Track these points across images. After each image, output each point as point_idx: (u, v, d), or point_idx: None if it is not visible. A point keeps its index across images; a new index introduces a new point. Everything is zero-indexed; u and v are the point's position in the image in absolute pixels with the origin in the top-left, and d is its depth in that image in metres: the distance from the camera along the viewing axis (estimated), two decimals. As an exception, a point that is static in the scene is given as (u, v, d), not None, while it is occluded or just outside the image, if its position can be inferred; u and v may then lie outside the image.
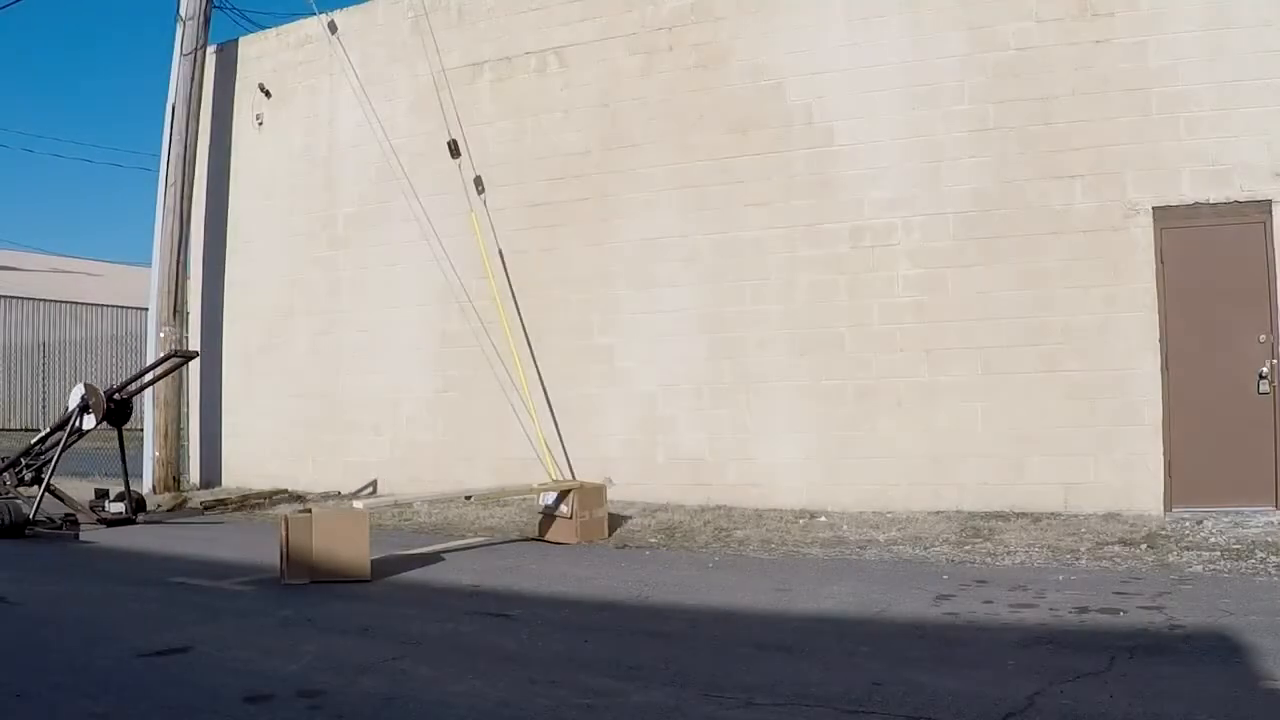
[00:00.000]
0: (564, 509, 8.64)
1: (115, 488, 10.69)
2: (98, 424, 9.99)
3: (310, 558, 7.09)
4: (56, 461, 9.91)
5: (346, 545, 7.09)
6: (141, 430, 12.90)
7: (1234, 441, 8.38)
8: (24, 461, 10.23)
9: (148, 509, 10.92)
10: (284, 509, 9.86)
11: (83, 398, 9.94)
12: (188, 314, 13.15)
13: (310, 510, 7.66)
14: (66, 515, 9.73)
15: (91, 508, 10.25)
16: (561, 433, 10.86)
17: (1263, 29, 8.32)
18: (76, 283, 34.83)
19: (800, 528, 8.82)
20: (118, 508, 10.28)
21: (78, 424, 9.94)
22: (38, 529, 9.37)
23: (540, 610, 6.16)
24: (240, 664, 4.97)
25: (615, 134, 10.78)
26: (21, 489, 10.04)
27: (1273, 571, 6.44)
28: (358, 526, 7.14)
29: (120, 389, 10.33)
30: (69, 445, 10.09)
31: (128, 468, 10.62)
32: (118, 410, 10.25)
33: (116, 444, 10.58)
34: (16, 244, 41.34)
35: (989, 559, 7.32)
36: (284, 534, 7.19)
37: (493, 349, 11.16)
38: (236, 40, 13.51)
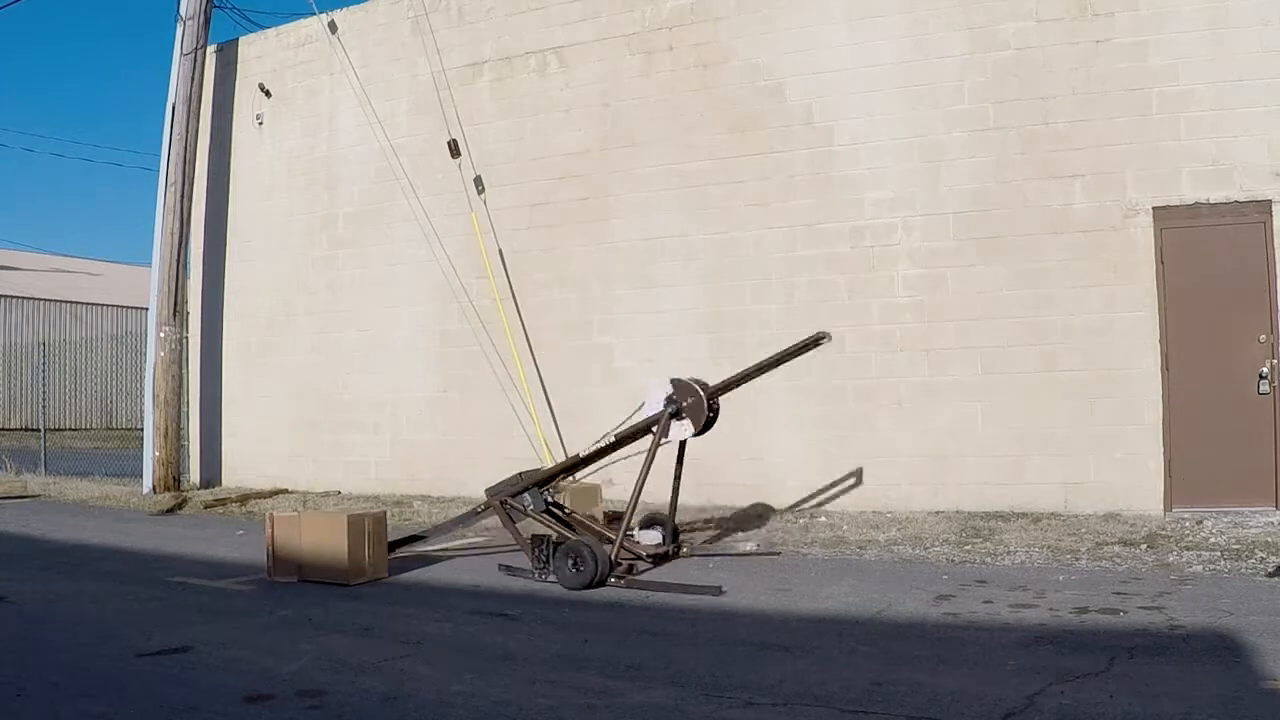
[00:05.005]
0: None
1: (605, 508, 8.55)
2: (696, 433, 7.20)
3: (298, 557, 7.13)
4: (642, 482, 7.12)
5: (332, 546, 7.07)
6: (142, 430, 12.90)
7: (1234, 441, 8.38)
8: (544, 483, 7.61)
9: (679, 538, 8.03)
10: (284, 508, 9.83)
11: (669, 398, 7.20)
12: (188, 314, 13.15)
13: (297, 510, 7.66)
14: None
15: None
16: (561, 432, 10.86)
17: (1262, 29, 8.32)
18: (76, 283, 34.87)
19: (800, 528, 8.82)
20: (651, 537, 7.72)
21: (665, 432, 7.21)
22: (652, 580, 6.79)
23: (540, 610, 6.16)
24: (240, 663, 4.97)
25: (615, 134, 10.78)
26: (545, 516, 7.44)
27: (1273, 571, 6.44)
28: (343, 529, 7.09)
29: (723, 388, 7.41)
30: (652, 459, 7.25)
31: (643, 492, 7.34)
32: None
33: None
34: (16, 244, 41.42)
35: (989, 559, 7.31)
36: (269, 532, 7.24)
37: (493, 349, 11.16)
38: (236, 40, 13.52)
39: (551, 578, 6.79)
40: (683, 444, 7.43)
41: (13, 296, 30.59)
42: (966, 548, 7.67)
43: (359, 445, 12.16)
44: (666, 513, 7.60)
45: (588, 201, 10.88)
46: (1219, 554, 6.95)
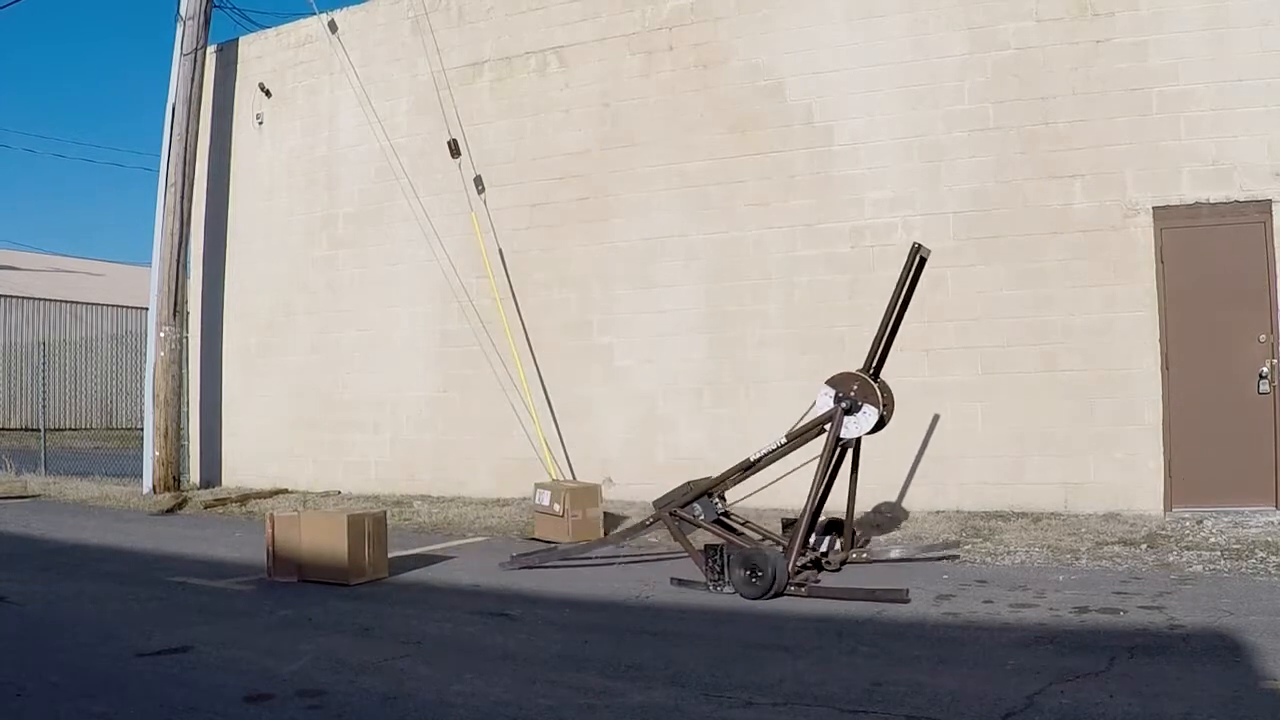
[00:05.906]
0: (556, 506, 8.70)
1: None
2: (875, 428, 6.82)
3: (298, 557, 7.13)
4: (823, 494, 6.88)
5: (332, 547, 7.07)
6: (142, 430, 12.90)
7: (1234, 441, 8.38)
8: (713, 490, 7.21)
9: (856, 543, 7.59)
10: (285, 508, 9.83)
11: (838, 396, 6.77)
12: (188, 314, 13.15)
13: (297, 510, 7.65)
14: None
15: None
16: (561, 432, 10.87)
17: (1262, 28, 8.32)
18: (76, 283, 34.87)
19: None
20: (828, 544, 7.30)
21: (839, 427, 6.76)
22: (833, 587, 6.47)
23: (540, 610, 6.16)
24: (240, 663, 4.97)
25: (615, 134, 10.78)
26: (716, 526, 7.11)
27: (1273, 571, 6.44)
28: (342, 529, 7.09)
29: (876, 363, 6.99)
30: (835, 468, 6.99)
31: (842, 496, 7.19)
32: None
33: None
34: (16, 244, 41.44)
35: (989, 559, 7.32)
36: (269, 532, 7.25)
37: (493, 348, 11.16)
38: (237, 40, 13.52)
39: (728, 589, 6.42)
40: (858, 443, 7.06)
41: (13, 296, 30.59)
42: (966, 547, 7.67)
43: (359, 445, 12.16)
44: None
45: (588, 201, 10.88)
46: (1219, 554, 6.95)
